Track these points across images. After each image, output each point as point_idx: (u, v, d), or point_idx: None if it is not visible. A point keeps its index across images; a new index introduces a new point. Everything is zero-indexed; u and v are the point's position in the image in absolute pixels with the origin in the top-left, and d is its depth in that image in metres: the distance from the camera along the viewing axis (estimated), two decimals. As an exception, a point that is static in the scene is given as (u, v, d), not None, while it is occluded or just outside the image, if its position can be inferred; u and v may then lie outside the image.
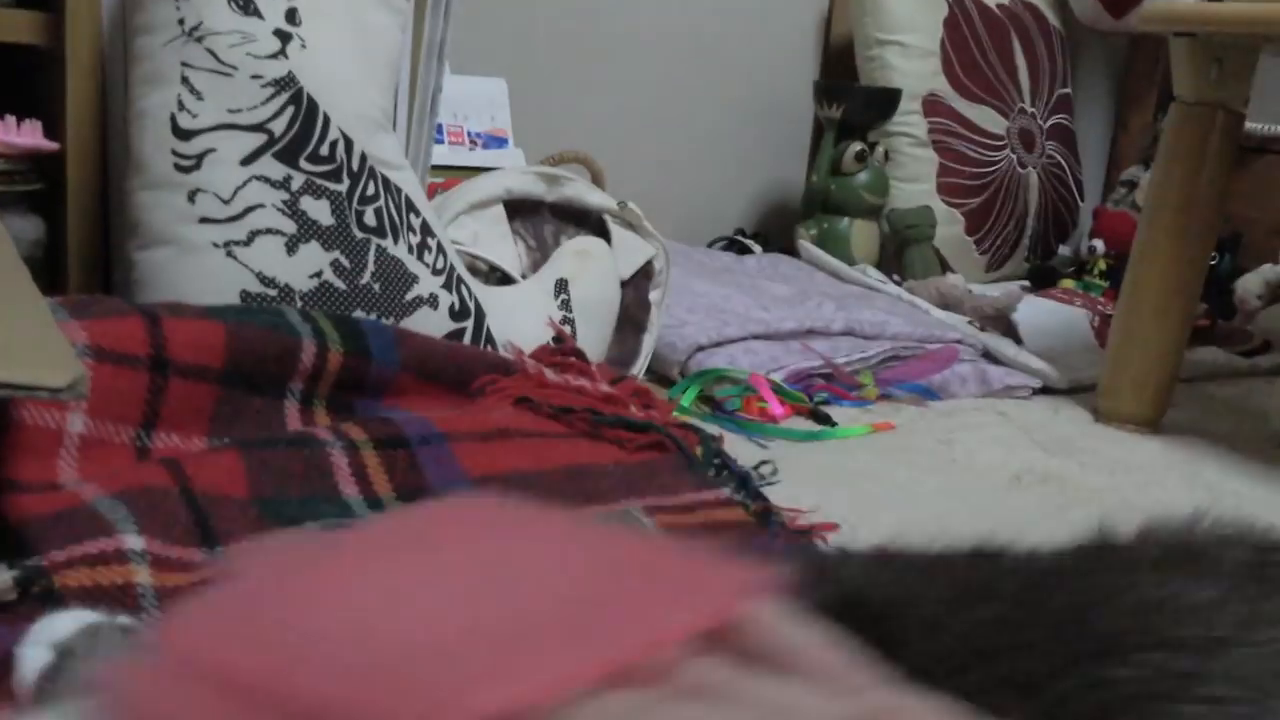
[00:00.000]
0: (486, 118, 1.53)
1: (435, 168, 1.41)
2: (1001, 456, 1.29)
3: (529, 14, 1.83)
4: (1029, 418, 1.45)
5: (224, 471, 0.73)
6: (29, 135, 0.98)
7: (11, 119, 0.98)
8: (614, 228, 1.31)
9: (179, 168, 0.91)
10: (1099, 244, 2.22)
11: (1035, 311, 1.81)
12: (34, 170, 1.00)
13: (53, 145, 0.99)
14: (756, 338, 1.45)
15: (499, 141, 1.51)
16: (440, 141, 1.46)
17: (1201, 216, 1.38)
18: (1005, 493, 1.19)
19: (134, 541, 0.63)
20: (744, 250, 2.03)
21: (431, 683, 0.25)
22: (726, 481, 0.94)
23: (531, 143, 1.60)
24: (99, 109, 0.99)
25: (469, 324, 1.03)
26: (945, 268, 2.10)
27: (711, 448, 0.97)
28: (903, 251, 2.08)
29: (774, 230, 2.21)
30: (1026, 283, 2.24)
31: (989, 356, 1.60)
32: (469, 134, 1.50)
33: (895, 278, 2.01)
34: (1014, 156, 2.23)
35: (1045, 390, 1.56)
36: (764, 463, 1.05)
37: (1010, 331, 1.76)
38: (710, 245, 2.07)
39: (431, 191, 1.35)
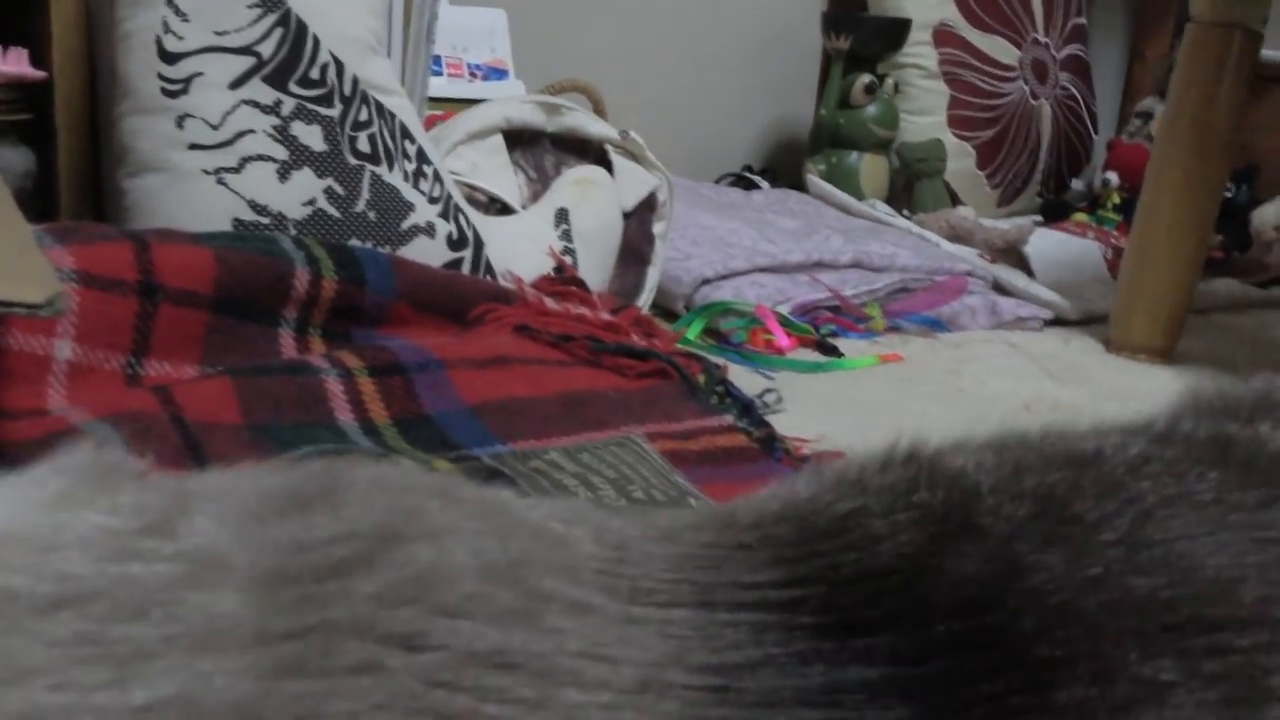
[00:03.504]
0: (486, 49, 1.50)
1: (434, 100, 1.38)
2: (1011, 386, 1.27)
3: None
4: (1040, 348, 1.43)
5: (215, 398, 0.72)
6: (15, 63, 0.96)
7: (-3, 47, 0.96)
8: (616, 158, 1.29)
9: (166, 92, 0.89)
10: (1113, 177, 2.18)
11: (1047, 244, 1.78)
12: (22, 100, 0.98)
13: (39, 74, 0.97)
14: (763, 270, 1.43)
15: (499, 73, 1.49)
16: (439, 73, 1.43)
17: (1217, 141, 1.34)
18: (1014, 422, 1.17)
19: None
20: (751, 185, 2.00)
21: None
22: (730, 409, 0.92)
23: (532, 75, 1.57)
24: (85, 35, 0.97)
25: (467, 253, 1.01)
26: (956, 201, 2.07)
27: (714, 375, 0.95)
28: (912, 186, 2.05)
29: (782, 165, 2.17)
30: (1039, 217, 2.20)
31: (999, 288, 1.58)
32: (468, 66, 1.47)
33: (905, 212, 1.98)
34: (1026, 88, 2.18)
35: (1057, 322, 1.53)
36: (768, 390, 1.04)
37: (1021, 264, 1.74)
38: (718, 181, 2.04)
39: (430, 124, 1.32)
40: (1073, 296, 1.56)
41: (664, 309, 1.38)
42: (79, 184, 0.99)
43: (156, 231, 0.81)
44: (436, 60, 1.41)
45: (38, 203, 1.00)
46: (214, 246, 0.80)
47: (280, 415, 0.74)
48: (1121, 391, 1.29)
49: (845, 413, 1.13)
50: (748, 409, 0.93)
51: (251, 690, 0.25)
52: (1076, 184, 2.34)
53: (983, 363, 1.34)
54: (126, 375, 0.75)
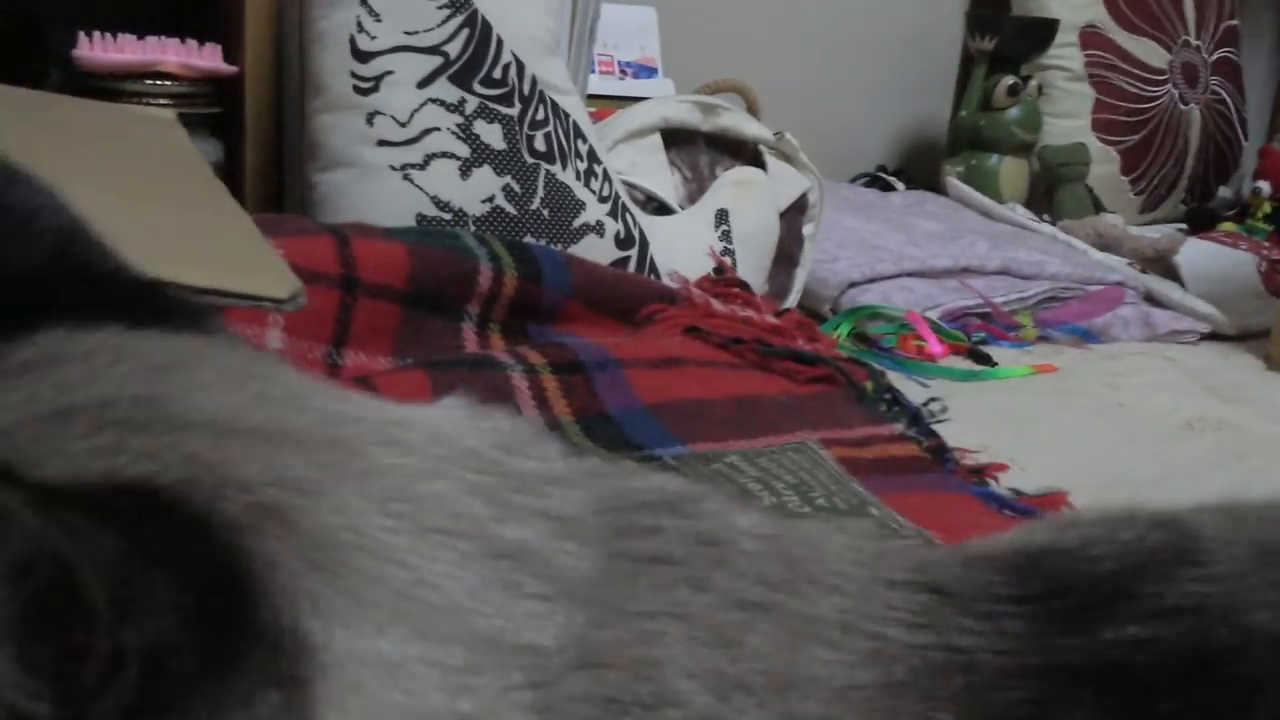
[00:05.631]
0: (636, 47, 1.51)
1: (587, 97, 1.39)
2: (1171, 401, 1.23)
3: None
4: (1197, 363, 1.39)
5: (412, 390, 0.74)
6: (210, 58, 1.00)
7: (193, 42, 1.00)
8: (770, 159, 1.29)
9: (358, 90, 0.91)
10: (1264, 185, 2.10)
11: (1198, 254, 1.72)
12: (213, 94, 1.02)
13: (231, 69, 1.01)
14: (910, 275, 1.41)
15: (648, 71, 1.49)
16: (591, 70, 1.44)
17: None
18: (1177, 439, 1.14)
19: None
20: (887, 187, 1.98)
21: None
22: (898, 417, 0.92)
23: (679, 72, 1.57)
24: (276, 32, 1.00)
25: (633, 252, 1.02)
26: (1098, 207, 2.02)
27: (881, 382, 0.94)
28: (1054, 190, 2.01)
29: (915, 167, 2.14)
30: (1183, 225, 2.14)
31: (1152, 299, 1.54)
32: (619, 63, 1.48)
33: (1045, 217, 1.94)
34: (1175, 92, 2.12)
35: (1212, 336, 1.49)
36: (932, 399, 1.03)
37: (1171, 275, 1.69)
38: (852, 181, 2.02)
39: (585, 121, 1.34)
40: (1228, 310, 1.51)
41: (809, 310, 1.38)
42: (263, 176, 1.02)
43: (353, 226, 0.83)
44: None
45: (230, 184, 1.04)
46: (407, 242, 0.82)
47: (472, 409, 0.75)
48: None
49: (1003, 424, 1.11)
50: (916, 418, 0.92)
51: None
52: (1224, 191, 2.27)
53: (1140, 376, 1.30)
54: (328, 365, 0.77)
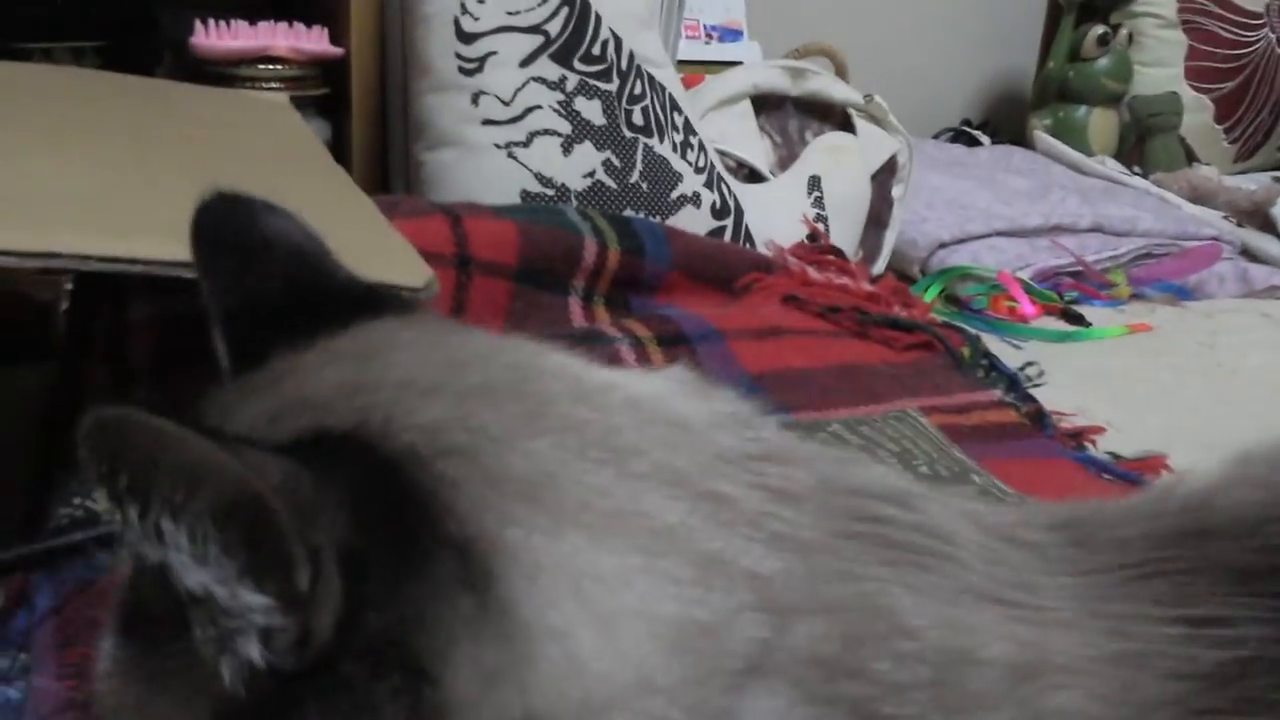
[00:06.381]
0: (721, 9, 1.51)
1: (676, 63, 1.40)
2: (1271, 360, 1.22)
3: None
4: (1296, 319, 1.37)
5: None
6: (317, 41, 1.03)
7: (300, 26, 1.04)
8: (859, 122, 1.29)
9: (463, 70, 0.94)
10: (1364, 130, 2.04)
11: (1297, 205, 1.68)
12: (320, 75, 1.06)
13: (338, 50, 1.04)
14: (1000, 234, 1.41)
15: (734, 34, 1.50)
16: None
17: None
18: (1276, 399, 1.13)
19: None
20: (973, 141, 1.96)
21: None
22: (996, 382, 0.93)
23: (764, 33, 1.57)
24: (379, 14, 1.03)
25: (729, 221, 1.04)
26: (1191, 158, 1.98)
27: (978, 348, 0.96)
28: (1145, 142, 1.97)
29: (1001, 120, 2.12)
30: (1279, 174, 2.08)
31: (1248, 254, 1.51)
32: (705, 27, 1.49)
33: (1136, 169, 1.90)
34: (1274, 36, 2.06)
35: (1311, 290, 1.46)
36: (1029, 364, 1.03)
37: (1269, 227, 1.65)
38: (936, 137, 2.01)
39: (674, 87, 1.35)
40: (1328, 263, 1.49)
41: (899, 271, 1.38)
42: (370, 154, 1.06)
43: (464, 206, 0.86)
44: (676, 23, 1.43)
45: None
46: (515, 220, 0.85)
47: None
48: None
49: (1099, 386, 1.11)
50: (1014, 383, 0.93)
51: None
52: (1322, 137, 2.20)
53: (1237, 335, 1.29)
54: (445, 342, 0.81)
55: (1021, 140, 1.94)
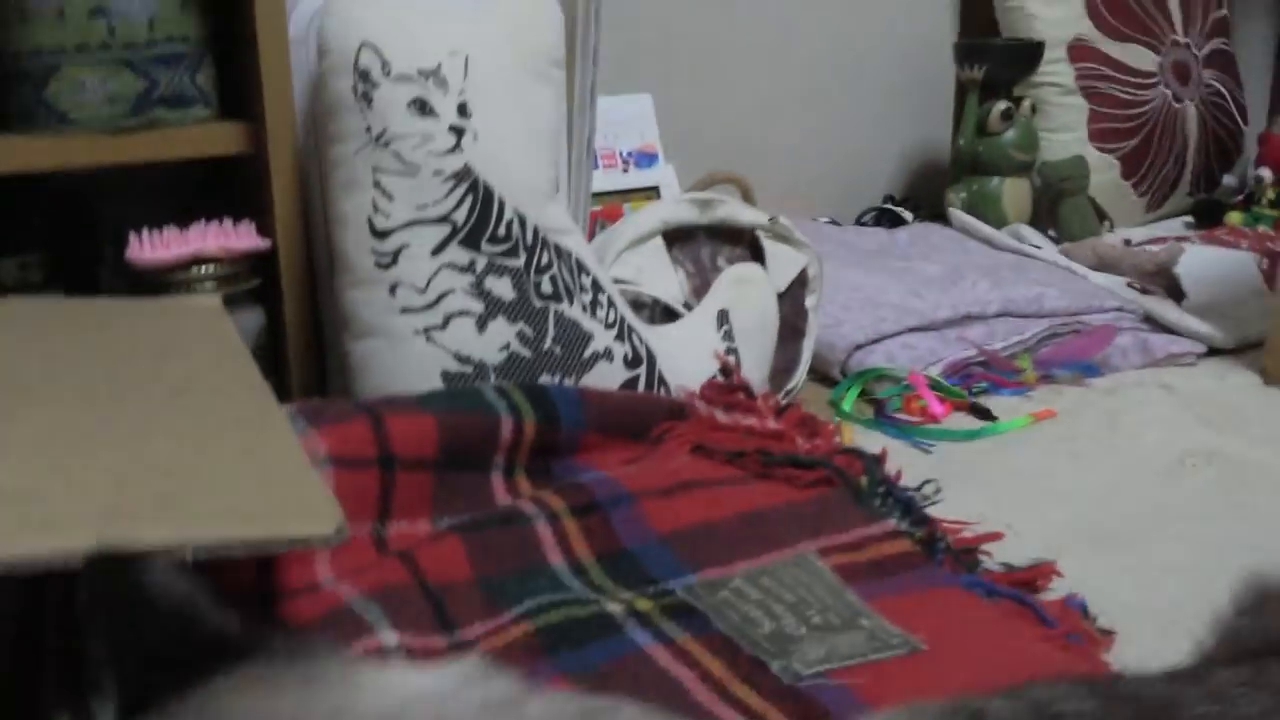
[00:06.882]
0: (636, 135, 1.60)
1: (596, 195, 1.49)
2: (1166, 436, 1.30)
3: (663, 23, 1.88)
4: (1195, 387, 1.45)
5: (450, 558, 0.85)
6: (246, 237, 1.11)
7: (229, 222, 1.12)
8: (766, 242, 1.38)
9: (379, 265, 1.02)
10: (1266, 173, 2.15)
11: (1198, 262, 1.77)
12: (251, 267, 1.13)
13: (265, 244, 1.12)
14: (913, 330, 1.50)
15: (649, 159, 1.59)
16: (595, 168, 1.54)
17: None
18: (1169, 480, 1.21)
19: (389, 637, 0.75)
20: (896, 220, 2.05)
21: None
22: (892, 509, 1.01)
23: (679, 150, 1.66)
24: (302, 208, 1.11)
25: (642, 370, 1.12)
26: (1103, 218, 2.08)
27: (875, 476, 1.03)
28: (1057, 205, 2.07)
29: (924, 193, 2.21)
30: (1190, 218, 2.19)
31: (1151, 321, 1.60)
32: (620, 155, 1.58)
33: (1051, 233, 2.00)
34: (1168, 92, 2.17)
35: (1214, 351, 1.55)
36: (927, 482, 1.11)
37: (1174, 286, 1.75)
38: (861, 217, 2.10)
39: (593, 221, 1.44)
40: (1228, 321, 1.57)
41: (821, 373, 1.47)
42: (303, 338, 1.14)
43: (385, 402, 0.94)
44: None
45: (270, 353, 1.15)
46: (434, 411, 0.93)
47: (503, 566, 0.86)
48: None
49: (1003, 484, 1.19)
50: (909, 508, 1.01)
51: None
52: (1229, 179, 2.31)
53: (1137, 411, 1.37)
54: (374, 538, 0.88)
55: (943, 213, 2.04)
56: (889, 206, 2.11)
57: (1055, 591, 0.96)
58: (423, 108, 1.01)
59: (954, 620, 0.87)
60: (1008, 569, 0.99)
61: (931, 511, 1.05)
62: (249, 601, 0.78)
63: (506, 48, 1.05)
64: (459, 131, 1.02)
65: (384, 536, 0.88)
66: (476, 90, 1.02)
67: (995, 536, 1.05)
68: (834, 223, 2.06)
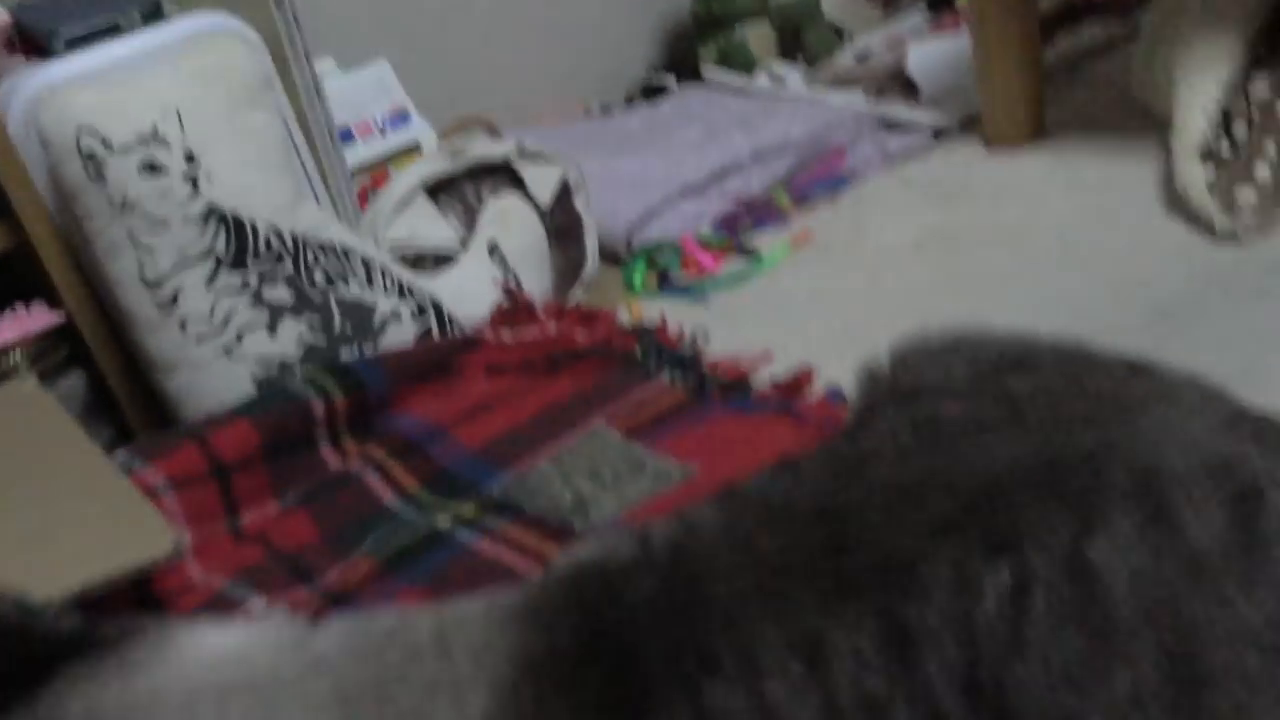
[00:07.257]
0: (385, 100, 1.71)
1: (364, 170, 1.61)
2: (903, 228, 1.47)
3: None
4: (929, 174, 1.61)
5: (299, 528, 1.00)
6: (40, 317, 1.21)
7: (21, 308, 1.22)
8: (521, 166, 1.51)
9: (162, 310, 1.14)
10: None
11: (925, 56, 1.93)
12: (55, 337, 1.23)
13: (58, 319, 1.22)
14: (682, 198, 1.64)
15: (403, 118, 1.70)
16: (353, 140, 1.64)
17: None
18: (910, 269, 1.37)
19: (258, 604, 0.90)
20: (660, 90, 2.18)
21: None
22: (666, 367, 1.17)
23: (428, 102, 1.76)
24: (84, 276, 1.21)
25: (430, 317, 1.26)
26: (841, 34, 2.23)
27: (646, 345, 1.19)
28: (800, 35, 2.21)
29: (684, 54, 2.32)
30: (927, 9, 2.35)
31: (891, 125, 1.76)
32: (374, 121, 1.68)
33: (801, 59, 2.14)
34: (869, -100, 2.30)
35: (946, 135, 1.71)
36: (696, 334, 1.27)
37: (909, 85, 1.91)
38: (629, 99, 2.22)
39: (363, 193, 1.55)
40: (954, 104, 1.74)
41: (615, 258, 1.60)
42: (126, 384, 1.25)
43: (206, 421, 1.07)
44: (346, 133, 1.62)
45: (104, 404, 1.26)
46: (250, 415, 1.07)
47: (347, 519, 1.01)
48: (1004, 193, 1.48)
49: (772, 312, 1.35)
50: (678, 361, 1.17)
51: None
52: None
53: (879, 215, 1.53)
54: (231, 533, 1.02)
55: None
56: (650, 84, 2.24)
57: (820, 394, 1.12)
58: (152, 168, 1.12)
59: (720, 443, 1.04)
60: (774, 384, 1.16)
61: (710, 355, 1.21)
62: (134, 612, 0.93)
63: (216, 88, 1.15)
64: (192, 178, 1.13)
65: (240, 527, 1.03)
66: (198, 136, 1.13)
67: (765, 359, 1.21)
68: (606, 107, 2.18)
